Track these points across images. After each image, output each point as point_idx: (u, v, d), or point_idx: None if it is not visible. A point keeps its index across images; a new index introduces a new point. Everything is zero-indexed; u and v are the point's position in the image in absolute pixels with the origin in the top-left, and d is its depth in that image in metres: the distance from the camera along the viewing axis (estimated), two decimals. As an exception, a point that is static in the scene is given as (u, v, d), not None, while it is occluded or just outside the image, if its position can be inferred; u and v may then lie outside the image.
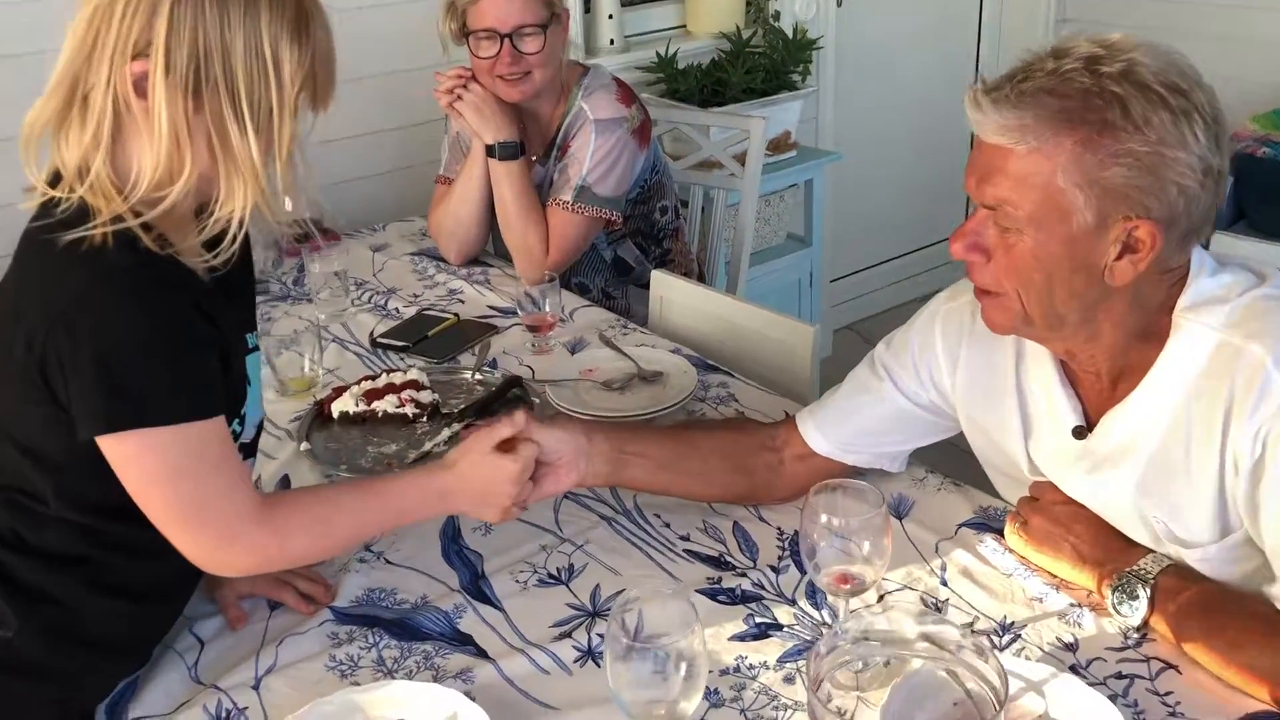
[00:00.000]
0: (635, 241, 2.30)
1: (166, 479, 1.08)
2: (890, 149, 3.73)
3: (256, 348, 1.27)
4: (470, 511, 1.28)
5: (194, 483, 1.09)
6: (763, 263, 3.06)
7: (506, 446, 1.25)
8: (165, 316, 1.06)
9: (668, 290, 2.09)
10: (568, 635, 1.25)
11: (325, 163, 2.46)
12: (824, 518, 1.13)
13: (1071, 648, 1.18)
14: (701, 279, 2.46)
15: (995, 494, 1.43)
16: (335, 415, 1.72)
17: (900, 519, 1.41)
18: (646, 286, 2.16)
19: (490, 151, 2.12)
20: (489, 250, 2.35)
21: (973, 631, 1.17)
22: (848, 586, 1.14)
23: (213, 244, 1.11)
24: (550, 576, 1.36)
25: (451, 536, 1.44)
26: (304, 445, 1.64)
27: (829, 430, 1.41)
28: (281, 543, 1.15)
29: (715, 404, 1.72)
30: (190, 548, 1.12)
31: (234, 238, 1.10)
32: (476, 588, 1.34)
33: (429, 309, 2.10)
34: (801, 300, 3.21)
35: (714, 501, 1.46)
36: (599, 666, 1.13)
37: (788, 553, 1.37)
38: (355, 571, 1.38)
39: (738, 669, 1.19)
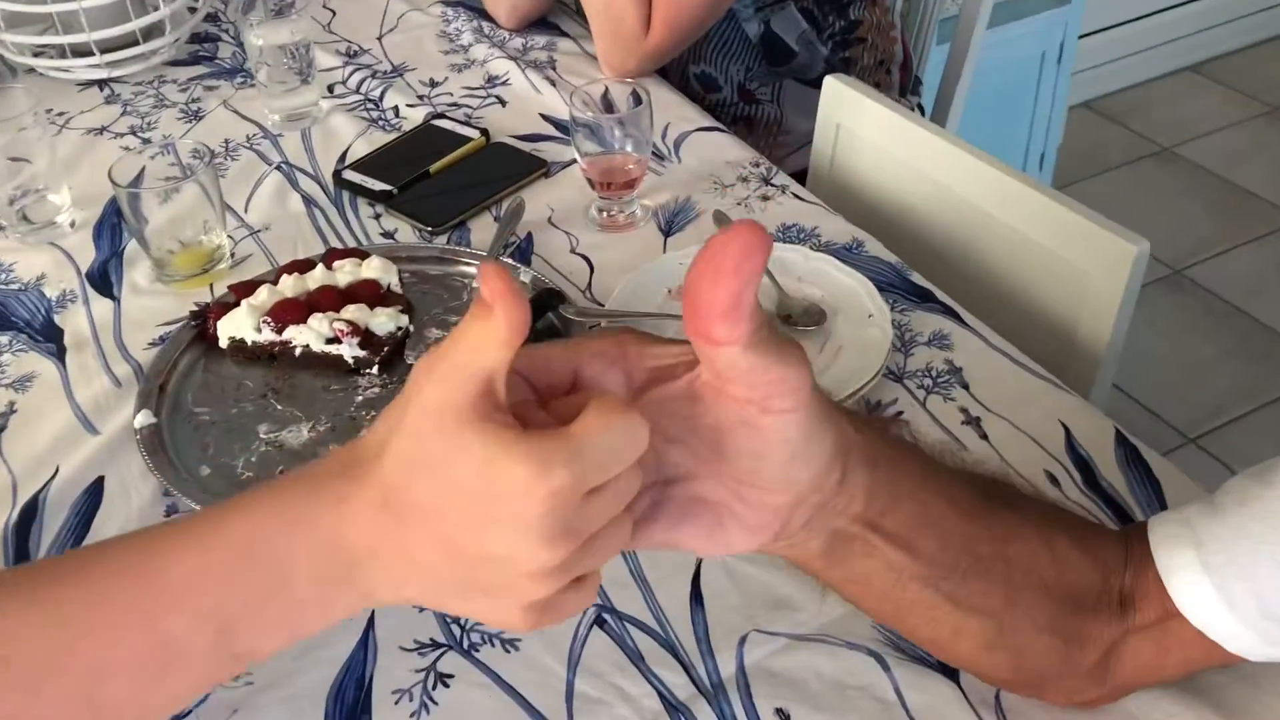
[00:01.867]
0: (802, 8, 1.38)
1: None
2: None
3: None
4: (447, 609, 0.45)
5: None
6: (991, 28, 2.07)
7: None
8: None
9: (849, 114, 1.20)
10: None
11: None
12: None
13: None
14: (905, 76, 1.53)
15: None
16: (225, 343, 0.95)
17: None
18: (815, 84, 1.27)
19: None
20: (567, 3, 1.47)
21: None
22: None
23: None
24: None
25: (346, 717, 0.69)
26: (141, 417, 0.88)
27: (1234, 584, 0.56)
28: None
29: (916, 381, 0.89)
30: None
31: None
32: None
33: (443, 114, 1.26)
34: (1042, 83, 2.23)
35: (980, 676, 0.64)
36: None
37: None
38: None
39: None
